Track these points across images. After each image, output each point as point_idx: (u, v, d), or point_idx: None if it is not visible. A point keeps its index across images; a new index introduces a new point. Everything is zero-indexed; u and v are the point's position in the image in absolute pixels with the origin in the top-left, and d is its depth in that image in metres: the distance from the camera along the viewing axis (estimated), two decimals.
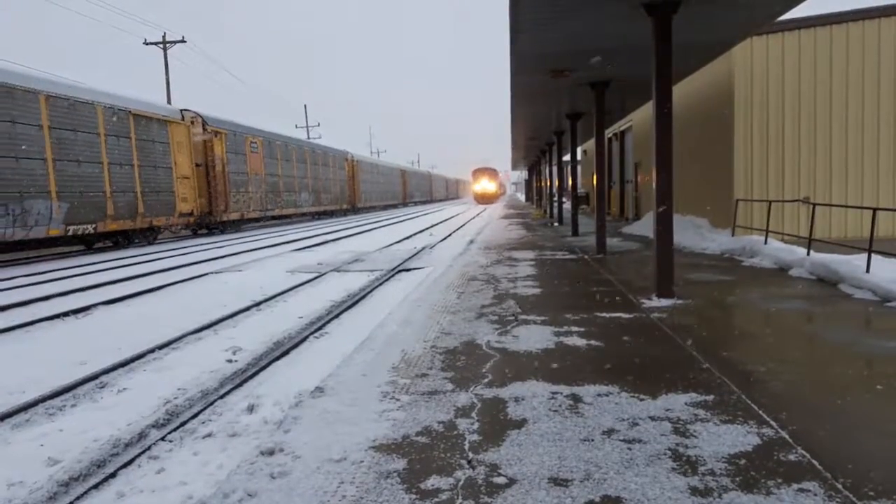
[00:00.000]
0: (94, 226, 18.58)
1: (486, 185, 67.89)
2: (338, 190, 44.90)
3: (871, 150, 13.75)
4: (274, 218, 34.27)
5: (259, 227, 32.59)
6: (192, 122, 25.03)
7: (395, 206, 64.72)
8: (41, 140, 16.73)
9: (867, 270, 7.91)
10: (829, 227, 13.63)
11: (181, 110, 24.61)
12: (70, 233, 17.64)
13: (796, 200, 13.24)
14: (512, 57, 10.44)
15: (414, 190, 75.70)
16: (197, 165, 25.21)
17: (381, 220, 36.09)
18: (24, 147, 16.13)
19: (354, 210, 49.46)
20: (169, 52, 34.24)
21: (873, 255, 8.07)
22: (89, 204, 18.42)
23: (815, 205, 10.92)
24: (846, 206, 12.20)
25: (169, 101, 31.86)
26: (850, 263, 8.30)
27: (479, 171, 68.94)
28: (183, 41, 34.72)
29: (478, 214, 39.99)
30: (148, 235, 22.34)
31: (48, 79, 17.65)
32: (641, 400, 4.14)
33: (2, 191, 15.43)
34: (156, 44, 34.35)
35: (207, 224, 26.85)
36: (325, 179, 42.07)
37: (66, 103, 17.77)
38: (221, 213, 26.86)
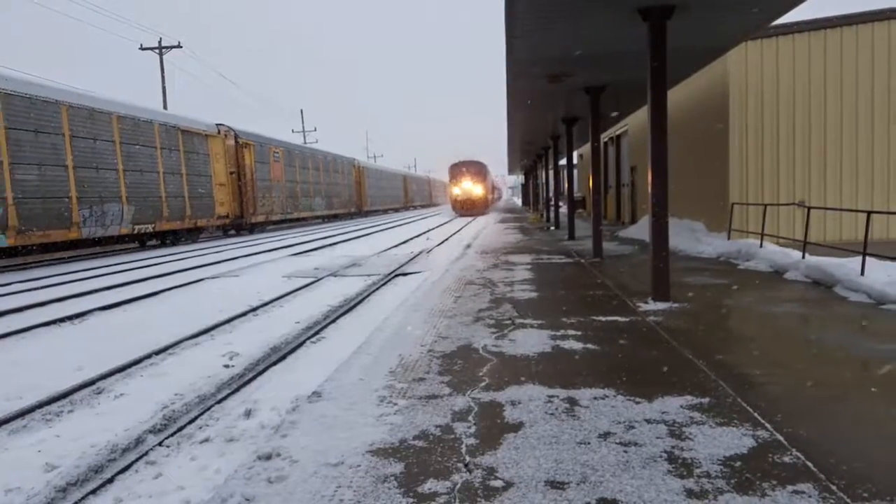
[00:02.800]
0: (153, 225, 21.73)
1: (469, 189, 45.29)
2: (346, 195, 47.17)
3: (866, 154, 13.83)
4: (292, 220, 37.16)
5: (280, 229, 35.32)
6: (226, 135, 28.21)
7: (396, 210, 65.05)
8: (114, 153, 19.79)
9: (862, 273, 7.95)
10: (823, 230, 13.69)
11: (217, 125, 27.50)
12: (136, 231, 20.71)
13: (791, 204, 13.30)
14: (508, 62, 10.49)
15: (415, 194, 76.56)
16: (230, 173, 28.25)
17: (384, 224, 36.94)
18: (102, 159, 19.19)
19: (361, 213, 51.45)
20: (163, 56, 34.23)
21: (868, 258, 8.12)
22: (150, 207, 21.57)
23: (810, 208, 10.97)
24: (841, 210, 12.26)
25: (165, 107, 31.89)
26: (845, 266, 8.34)
27: (458, 168, 45.87)
28: (179, 46, 34.74)
29: (473, 219, 39.93)
30: (193, 234, 25.39)
31: (119, 101, 20.64)
32: (637, 403, 4.16)
33: (88, 196, 18.26)
34: (152, 49, 34.34)
35: (238, 225, 29.89)
36: (336, 185, 44.50)
37: (132, 122, 20.83)
38: (250, 216, 30.03)
